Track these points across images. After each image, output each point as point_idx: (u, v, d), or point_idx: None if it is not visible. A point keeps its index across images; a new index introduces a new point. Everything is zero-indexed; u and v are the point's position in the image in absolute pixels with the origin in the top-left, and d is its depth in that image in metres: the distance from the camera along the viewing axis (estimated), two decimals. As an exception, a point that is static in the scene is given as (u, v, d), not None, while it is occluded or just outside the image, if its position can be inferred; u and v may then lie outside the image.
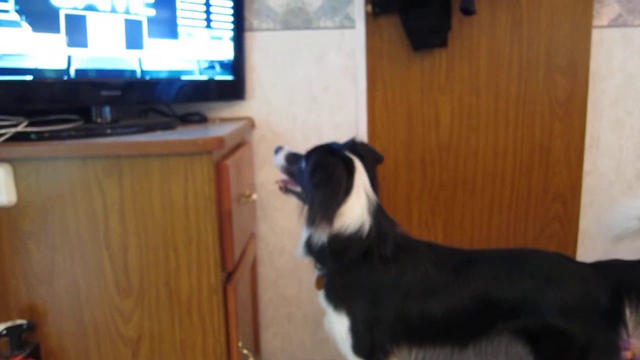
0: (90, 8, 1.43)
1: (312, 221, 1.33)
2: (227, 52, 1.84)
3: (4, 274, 1.39)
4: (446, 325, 1.38)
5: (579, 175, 2.10)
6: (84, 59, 1.45)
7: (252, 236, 1.90)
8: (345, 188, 1.35)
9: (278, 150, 1.52)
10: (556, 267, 1.40)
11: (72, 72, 1.42)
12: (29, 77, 1.35)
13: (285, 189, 1.51)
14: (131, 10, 1.53)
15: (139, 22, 1.55)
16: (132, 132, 1.49)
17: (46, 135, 1.37)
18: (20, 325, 1.40)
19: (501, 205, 2.13)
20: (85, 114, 1.54)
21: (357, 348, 1.41)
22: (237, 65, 1.87)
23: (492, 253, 1.52)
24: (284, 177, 1.51)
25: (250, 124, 1.92)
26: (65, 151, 1.34)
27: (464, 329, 1.40)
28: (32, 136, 1.36)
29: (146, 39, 1.57)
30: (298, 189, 1.48)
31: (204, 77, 1.77)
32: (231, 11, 1.82)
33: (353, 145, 1.46)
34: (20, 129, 1.35)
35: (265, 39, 1.93)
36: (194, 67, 1.73)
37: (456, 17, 1.93)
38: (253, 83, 1.95)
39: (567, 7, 1.99)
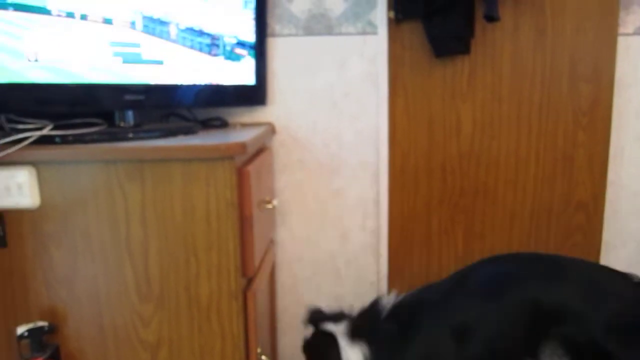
0: (115, 13, 1.44)
1: None
2: (248, 59, 1.84)
3: (25, 275, 1.40)
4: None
5: (602, 186, 2.07)
6: (108, 64, 1.46)
7: (271, 242, 1.89)
8: None
9: None
10: (603, 276, 1.35)
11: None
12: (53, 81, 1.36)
13: None
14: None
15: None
16: (155, 137, 1.49)
17: (70, 138, 1.38)
18: (41, 328, 1.41)
19: (522, 214, 2.10)
20: (108, 117, 1.54)
21: None
22: (258, 71, 1.87)
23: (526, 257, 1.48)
24: None
25: (271, 129, 1.92)
26: (89, 155, 1.34)
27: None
28: (57, 140, 1.37)
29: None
30: None
31: (226, 83, 1.78)
32: (253, 16, 1.82)
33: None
34: (45, 132, 1.36)
35: (287, 45, 1.93)
36: (217, 72, 1.74)
37: (479, 23, 1.92)
38: (274, 88, 1.95)
39: (592, 14, 1.96)
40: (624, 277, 1.35)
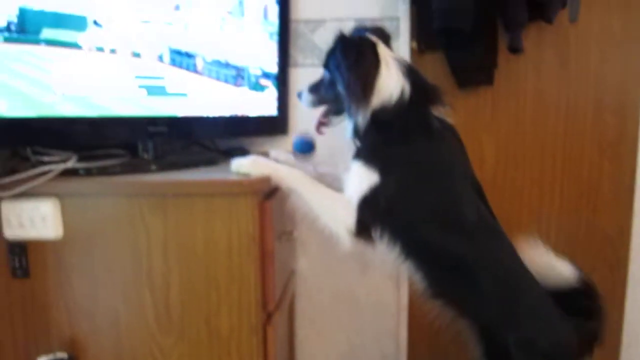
0: (141, 47, 1.46)
1: (352, 104, 1.33)
2: (271, 89, 1.84)
3: (47, 306, 1.40)
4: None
5: (628, 217, 2.03)
6: (133, 97, 1.47)
7: (291, 273, 1.88)
8: (374, 63, 1.33)
9: (300, 94, 1.53)
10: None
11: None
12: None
13: (326, 123, 1.52)
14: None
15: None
16: (177, 168, 1.50)
17: (94, 171, 1.39)
18: (61, 359, 1.41)
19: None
20: (131, 148, 1.55)
21: (365, 209, 1.31)
22: (281, 101, 1.87)
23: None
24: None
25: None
26: (112, 188, 1.35)
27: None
28: (81, 172, 1.38)
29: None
30: (329, 109, 1.48)
31: (249, 113, 1.78)
32: (277, 48, 1.83)
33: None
34: (69, 165, 1.37)
35: (310, 75, 1.91)
36: (241, 103, 1.75)
37: (502, 54, 1.90)
38: (296, 118, 1.95)
39: (618, 44, 1.94)
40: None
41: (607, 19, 1.93)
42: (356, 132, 1.39)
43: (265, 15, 1.80)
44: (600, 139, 1.99)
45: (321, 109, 1.52)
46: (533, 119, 2.00)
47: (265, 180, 1.34)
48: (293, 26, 1.92)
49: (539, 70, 1.98)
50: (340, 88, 1.37)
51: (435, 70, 1.97)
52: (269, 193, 1.47)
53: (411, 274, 1.40)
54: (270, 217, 1.38)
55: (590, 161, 2.01)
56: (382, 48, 1.38)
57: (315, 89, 1.51)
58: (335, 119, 1.52)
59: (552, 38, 1.95)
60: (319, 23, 1.91)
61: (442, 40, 1.85)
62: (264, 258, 1.38)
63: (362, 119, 1.34)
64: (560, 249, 2.05)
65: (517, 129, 2.01)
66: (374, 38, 1.39)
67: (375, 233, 1.35)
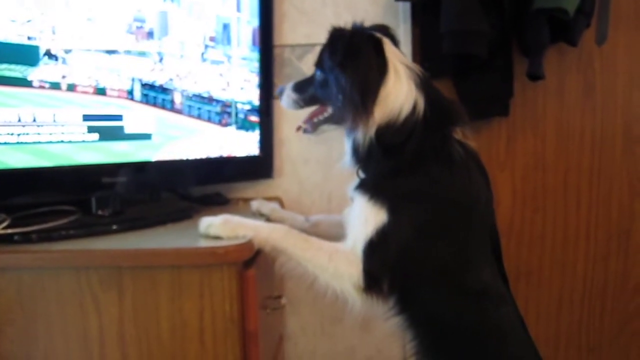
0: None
1: (348, 117, 1.10)
2: (252, 125, 1.59)
3: (-27, 410, 1.12)
4: None
5: (664, 264, 1.81)
6: (82, 141, 1.23)
7: (279, 340, 1.61)
8: (377, 64, 1.09)
9: (281, 90, 1.28)
10: None
11: (68, 158, 1.20)
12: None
13: (313, 125, 1.26)
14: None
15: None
16: (139, 227, 1.25)
17: (33, 237, 1.12)
18: None
19: (572, 299, 1.83)
20: (82, 203, 1.28)
21: (372, 255, 1.07)
22: (264, 139, 1.61)
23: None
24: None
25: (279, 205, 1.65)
26: (55, 261, 1.09)
27: None
28: (16, 238, 1.11)
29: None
30: (327, 112, 1.23)
31: (235, 154, 1.54)
32: (257, 78, 1.58)
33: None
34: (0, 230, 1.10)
35: (298, 108, 1.68)
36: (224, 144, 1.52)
37: (518, 81, 1.68)
38: (282, 159, 1.69)
39: (647, 69, 1.74)
40: None
41: (636, 40, 1.75)
42: (356, 154, 1.15)
43: (255, 41, 1.57)
44: (630, 175, 1.79)
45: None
46: (554, 153, 1.79)
47: (247, 246, 1.08)
48: (277, 52, 1.67)
49: (561, 98, 1.77)
50: (334, 94, 1.13)
51: (442, 100, 1.73)
52: (250, 259, 1.21)
53: (402, 330, 1.16)
54: (253, 289, 1.12)
55: (619, 201, 1.80)
56: (389, 47, 1.14)
57: (301, 87, 1.27)
58: (324, 127, 1.27)
59: (574, 62, 1.76)
60: (307, 49, 1.67)
61: (450, 66, 1.62)
62: (246, 342, 1.12)
63: (363, 136, 1.11)
64: (587, 302, 1.82)
65: (536, 166, 1.79)
66: (379, 35, 1.15)
67: (386, 284, 1.09)
